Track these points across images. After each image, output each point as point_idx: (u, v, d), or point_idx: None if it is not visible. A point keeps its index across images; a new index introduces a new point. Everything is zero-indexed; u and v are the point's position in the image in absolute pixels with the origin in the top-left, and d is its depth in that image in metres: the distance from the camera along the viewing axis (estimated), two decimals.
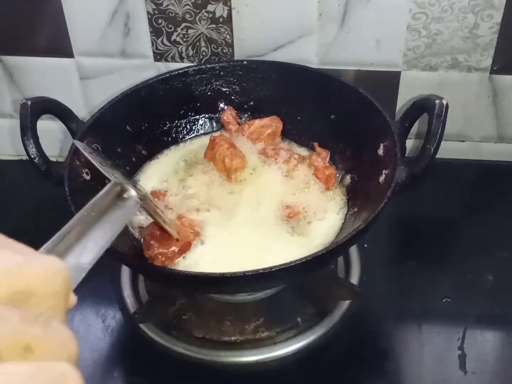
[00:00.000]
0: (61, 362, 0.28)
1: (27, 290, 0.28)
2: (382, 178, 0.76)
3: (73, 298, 0.32)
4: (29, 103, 0.77)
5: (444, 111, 0.72)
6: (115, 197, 0.56)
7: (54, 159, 0.81)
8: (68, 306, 0.31)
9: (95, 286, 0.89)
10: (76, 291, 0.31)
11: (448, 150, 1.00)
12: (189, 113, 0.96)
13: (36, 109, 0.78)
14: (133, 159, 0.91)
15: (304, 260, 0.63)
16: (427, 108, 0.74)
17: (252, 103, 0.97)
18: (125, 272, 0.89)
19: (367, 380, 0.78)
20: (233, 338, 0.80)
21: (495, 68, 0.96)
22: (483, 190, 1.01)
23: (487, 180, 1.04)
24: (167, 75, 0.93)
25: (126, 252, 0.73)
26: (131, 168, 0.90)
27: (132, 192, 0.58)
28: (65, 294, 0.30)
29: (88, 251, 0.42)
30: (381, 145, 0.79)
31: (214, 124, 0.98)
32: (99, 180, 0.72)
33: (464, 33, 0.93)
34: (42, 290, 0.29)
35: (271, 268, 0.62)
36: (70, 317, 0.84)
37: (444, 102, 0.73)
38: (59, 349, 0.28)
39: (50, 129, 1.01)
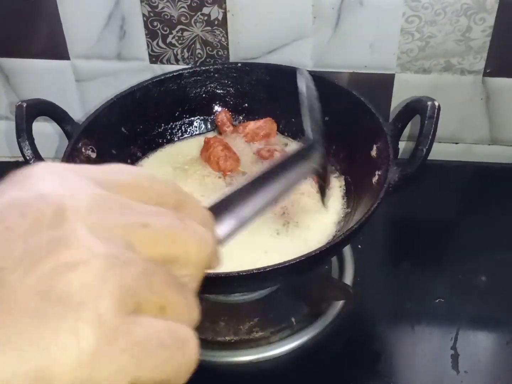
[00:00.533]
0: (186, 327, 0.29)
1: (179, 255, 0.30)
2: (375, 179, 0.77)
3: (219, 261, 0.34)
4: (24, 105, 0.77)
5: (436, 113, 0.72)
6: (299, 158, 0.49)
7: (50, 161, 0.81)
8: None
9: None
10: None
11: (441, 152, 1.01)
12: (184, 115, 0.97)
13: (32, 111, 0.78)
14: (128, 160, 0.91)
15: (298, 260, 0.63)
16: (419, 109, 0.75)
17: (246, 105, 0.97)
18: None
19: (360, 380, 0.78)
20: (227, 338, 0.80)
21: (488, 70, 0.97)
22: (476, 192, 1.02)
23: (481, 182, 1.04)
24: (162, 77, 0.93)
25: None
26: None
27: (316, 159, 0.52)
28: (206, 266, 0.32)
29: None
30: (374, 146, 0.80)
31: (209, 126, 0.99)
32: None
33: (457, 36, 0.93)
34: (191, 258, 0.30)
35: (265, 268, 0.62)
36: None
37: (436, 103, 0.73)
38: (187, 314, 0.30)
39: (45, 131, 1.01)
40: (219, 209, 0.37)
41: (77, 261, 0.26)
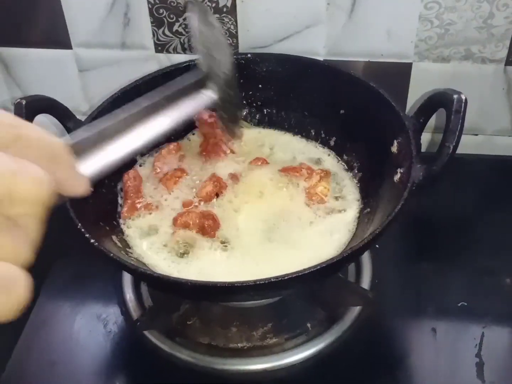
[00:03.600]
0: (13, 266, 0.30)
1: (6, 194, 0.30)
2: (397, 177, 0.72)
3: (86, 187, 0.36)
4: (23, 102, 0.73)
5: (463, 107, 0.68)
6: (193, 85, 0.50)
7: None
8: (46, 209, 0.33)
9: (96, 289, 0.87)
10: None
11: (460, 144, 0.97)
12: None
13: (31, 108, 0.74)
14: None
15: (318, 267, 0.59)
16: (444, 103, 0.71)
17: (256, 97, 0.93)
18: (127, 275, 0.85)
19: None
20: (239, 345, 0.77)
21: (510, 59, 0.93)
22: (498, 186, 0.98)
23: (502, 175, 1.00)
24: (168, 69, 0.89)
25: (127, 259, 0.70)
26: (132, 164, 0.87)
27: (211, 92, 0.52)
28: (44, 203, 0.32)
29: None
30: (395, 141, 0.75)
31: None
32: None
33: (478, 23, 0.89)
34: (22, 197, 0.31)
35: (283, 276, 0.58)
36: (69, 322, 0.80)
37: (463, 97, 0.69)
38: (13, 254, 0.31)
39: (46, 127, 0.97)
40: (85, 145, 0.37)
41: None
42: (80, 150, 0.37)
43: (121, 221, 0.80)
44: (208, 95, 0.51)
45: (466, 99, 0.69)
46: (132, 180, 0.83)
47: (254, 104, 0.94)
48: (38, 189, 0.32)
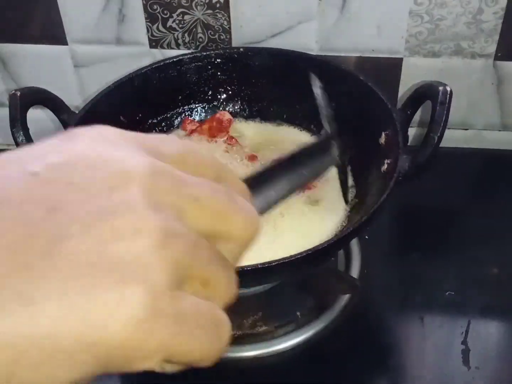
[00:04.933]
0: (223, 311, 0.29)
1: (225, 231, 0.30)
2: (384, 168, 0.74)
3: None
4: (18, 94, 0.74)
5: (448, 98, 0.69)
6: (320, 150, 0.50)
7: None
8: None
9: None
10: None
11: (450, 138, 0.98)
12: (185, 102, 0.94)
13: (26, 100, 0.75)
14: None
15: (304, 254, 0.60)
16: (430, 95, 0.72)
17: (249, 91, 0.94)
18: None
19: (367, 375, 0.76)
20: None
21: (499, 54, 0.94)
22: (487, 179, 0.99)
23: (491, 169, 1.01)
24: (162, 63, 0.90)
25: None
26: None
27: (335, 151, 0.52)
28: (249, 243, 0.31)
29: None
30: (383, 133, 0.77)
31: (210, 113, 0.95)
32: None
33: (468, 19, 0.90)
34: (235, 235, 0.30)
35: (270, 263, 0.60)
36: None
37: (448, 88, 0.70)
38: (227, 291, 0.30)
39: (41, 120, 0.98)
40: (252, 185, 0.36)
41: (133, 229, 0.25)
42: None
43: None
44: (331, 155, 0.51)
45: (451, 91, 0.70)
46: None
47: (247, 98, 0.95)
48: (250, 228, 0.30)
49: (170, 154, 0.30)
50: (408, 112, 0.76)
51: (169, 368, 0.28)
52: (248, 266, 0.60)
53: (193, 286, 0.28)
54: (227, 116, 0.90)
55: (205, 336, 0.27)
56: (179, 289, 0.26)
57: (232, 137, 0.90)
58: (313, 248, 0.62)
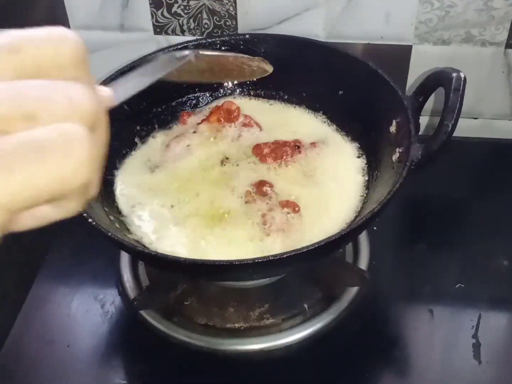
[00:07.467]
0: (68, 123, 0.26)
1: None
2: (395, 157, 0.72)
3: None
4: None
5: (462, 85, 0.67)
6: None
7: None
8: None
9: (93, 269, 0.86)
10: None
11: (459, 127, 0.96)
12: (190, 90, 0.92)
13: None
14: (132, 139, 0.87)
15: (316, 245, 0.59)
16: (443, 81, 0.70)
17: (255, 78, 0.92)
18: (125, 255, 0.85)
19: (375, 369, 0.75)
20: (236, 325, 0.77)
21: (510, 42, 0.92)
22: (496, 169, 0.97)
23: (501, 159, 1.00)
24: (165, 50, 0.88)
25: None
26: (130, 149, 0.86)
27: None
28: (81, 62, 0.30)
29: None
30: (394, 121, 0.75)
31: (215, 102, 0.93)
32: None
33: (478, 6, 0.89)
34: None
35: (281, 254, 0.58)
36: (67, 302, 0.79)
37: (462, 75, 0.68)
38: (67, 110, 0.27)
39: None
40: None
41: None
42: None
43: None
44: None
45: (465, 77, 0.69)
46: None
47: (252, 86, 0.93)
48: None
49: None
50: (420, 99, 0.74)
51: (24, 223, 0.27)
52: (259, 258, 0.59)
53: (17, 125, 0.26)
54: (235, 105, 0.88)
55: (45, 160, 0.25)
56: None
57: (247, 116, 0.88)
58: (324, 240, 0.60)
